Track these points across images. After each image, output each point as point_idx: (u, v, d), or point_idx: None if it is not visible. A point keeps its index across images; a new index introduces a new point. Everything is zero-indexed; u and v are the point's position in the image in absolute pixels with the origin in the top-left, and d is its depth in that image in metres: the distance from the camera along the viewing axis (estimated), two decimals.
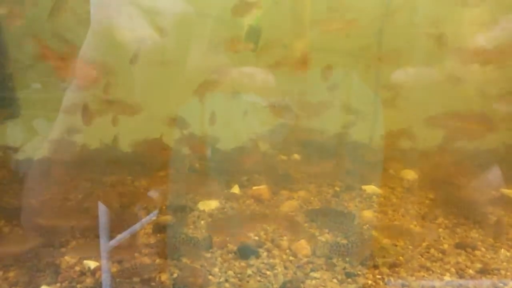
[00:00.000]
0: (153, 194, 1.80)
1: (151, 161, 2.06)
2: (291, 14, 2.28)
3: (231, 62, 2.00)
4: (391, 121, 2.22)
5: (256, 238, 1.49)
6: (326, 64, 2.07)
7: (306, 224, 1.60)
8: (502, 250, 1.45)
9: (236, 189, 1.88)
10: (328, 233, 1.53)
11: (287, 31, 2.22)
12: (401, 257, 1.39)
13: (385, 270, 1.32)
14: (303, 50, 2.25)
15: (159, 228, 1.55)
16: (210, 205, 1.74)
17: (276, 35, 2.10)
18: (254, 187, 1.91)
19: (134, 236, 1.49)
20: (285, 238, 1.49)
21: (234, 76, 2.02)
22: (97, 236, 1.44)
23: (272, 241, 1.47)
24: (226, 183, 1.95)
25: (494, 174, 1.98)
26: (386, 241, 1.49)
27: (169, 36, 1.87)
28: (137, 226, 1.56)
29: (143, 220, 1.60)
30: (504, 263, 1.38)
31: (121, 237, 1.47)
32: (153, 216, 1.62)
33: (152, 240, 1.49)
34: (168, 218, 1.62)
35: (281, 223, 1.58)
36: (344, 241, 1.45)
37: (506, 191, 1.89)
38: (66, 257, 1.36)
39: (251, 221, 1.59)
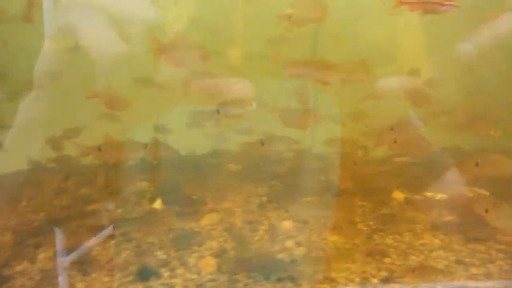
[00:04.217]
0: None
1: None
2: (226, 22, 2.26)
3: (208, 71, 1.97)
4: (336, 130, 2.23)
5: (164, 256, 1.44)
6: None
7: (221, 238, 1.55)
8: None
9: (158, 204, 1.83)
10: (237, 247, 1.49)
11: (222, 39, 2.20)
12: (309, 268, 1.37)
13: (288, 284, 1.29)
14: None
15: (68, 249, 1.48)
16: None
17: (211, 44, 2.05)
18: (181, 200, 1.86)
19: None
20: (194, 255, 1.44)
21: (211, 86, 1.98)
22: None
23: (180, 258, 1.42)
24: (151, 197, 1.89)
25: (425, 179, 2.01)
26: (298, 252, 1.47)
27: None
28: None
29: None
30: (411, 270, 1.37)
31: None
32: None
33: (53, 265, 1.41)
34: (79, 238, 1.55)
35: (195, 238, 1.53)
36: (251, 255, 1.42)
37: (429, 194, 1.91)
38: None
39: (163, 238, 1.54)
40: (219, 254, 1.44)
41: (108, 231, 1.58)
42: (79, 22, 1.71)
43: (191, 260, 1.40)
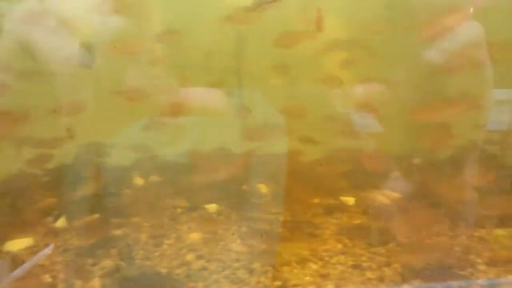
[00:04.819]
0: None
1: None
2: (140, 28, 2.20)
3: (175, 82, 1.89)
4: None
5: (50, 280, 1.34)
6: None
7: (119, 257, 1.48)
8: None
9: (61, 222, 1.72)
10: (132, 264, 1.42)
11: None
12: (201, 283, 1.32)
13: None
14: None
15: None
16: (20, 244, 1.56)
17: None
18: (87, 218, 1.77)
19: None
20: (83, 276, 1.36)
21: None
22: None
23: (67, 281, 1.33)
24: (57, 214, 1.78)
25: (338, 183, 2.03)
26: (197, 265, 1.42)
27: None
28: None
29: None
30: (307, 277, 1.36)
31: None
32: None
33: None
34: None
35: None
36: (146, 272, 1.35)
37: (344, 198, 1.93)
38: None
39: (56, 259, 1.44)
40: (111, 273, 1.36)
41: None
42: (36, 32, 1.64)
43: (78, 283, 1.32)
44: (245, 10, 1.57)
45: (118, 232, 1.65)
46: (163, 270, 1.37)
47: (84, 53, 1.86)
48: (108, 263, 1.43)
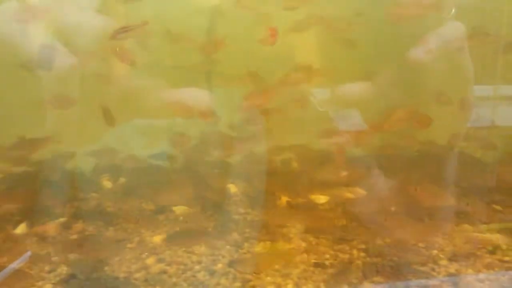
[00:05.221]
0: None
1: None
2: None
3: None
4: None
5: (5, 286, 1.30)
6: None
7: (76, 263, 1.44)
8: None
9: (21, 229, 1.67)
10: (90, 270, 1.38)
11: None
12: (159, 287, 1.30)
13: None
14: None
15: None
16: None
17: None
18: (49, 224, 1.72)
19: None
20: (38, 283, 1.32)
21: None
22: None
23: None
24: (18, 220, 1.73)
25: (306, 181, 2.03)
26: (156, 268, 1.39)
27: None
28: None
29: None
30: (268, 277, 1.34)
31: None
32: None
33: None
34: None
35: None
36: (103, 278, 1.32)
37: (313, 196, 1.92)
38: None
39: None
40: (67, 280, 1.33)
41: None
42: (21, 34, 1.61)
43: None
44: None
45: (80, 236, 1.61)
46: (122, 275, 1.34)
47: (43, 55, 1.82)
48: (65, 269, 1.39)
